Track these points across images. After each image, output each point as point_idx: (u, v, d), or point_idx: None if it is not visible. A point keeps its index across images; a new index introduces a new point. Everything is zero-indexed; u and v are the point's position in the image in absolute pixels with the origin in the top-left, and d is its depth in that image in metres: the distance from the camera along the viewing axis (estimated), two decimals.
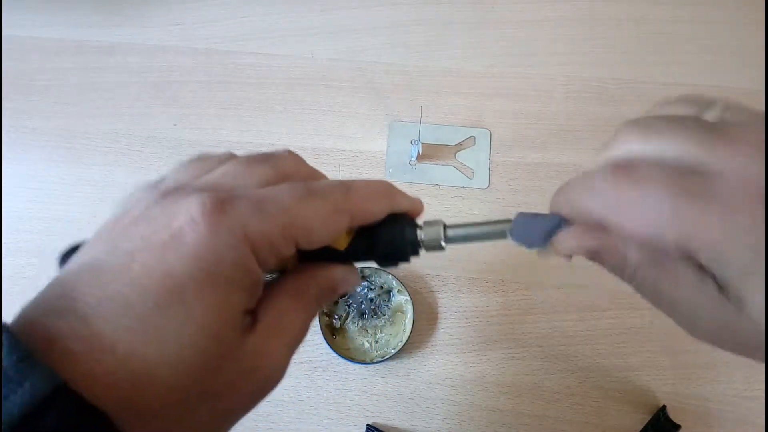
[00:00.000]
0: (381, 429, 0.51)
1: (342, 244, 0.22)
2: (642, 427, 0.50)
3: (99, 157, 0.60)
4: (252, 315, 0.21)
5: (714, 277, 0.19)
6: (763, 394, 0.51)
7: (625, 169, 0.19)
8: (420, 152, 0.58)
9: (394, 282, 0.53)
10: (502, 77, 0.64)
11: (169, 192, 0.20)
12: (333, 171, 0.59)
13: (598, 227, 0.20)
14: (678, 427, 0.49)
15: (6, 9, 0.65)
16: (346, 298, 0.53)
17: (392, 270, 0.53)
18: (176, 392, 0.18)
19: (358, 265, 0.24)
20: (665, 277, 0.20)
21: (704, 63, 0.64)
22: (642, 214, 0.19)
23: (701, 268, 0.19)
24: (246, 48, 0.64)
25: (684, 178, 0.18)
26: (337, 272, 0.23)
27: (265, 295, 0.21)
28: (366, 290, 0.53)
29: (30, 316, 0.17)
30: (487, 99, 0.63)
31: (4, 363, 0.15)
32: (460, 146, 0.61)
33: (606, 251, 0.20)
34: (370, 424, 0.51)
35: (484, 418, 0.52)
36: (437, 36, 0.66)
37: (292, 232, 0.20)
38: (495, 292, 0.55)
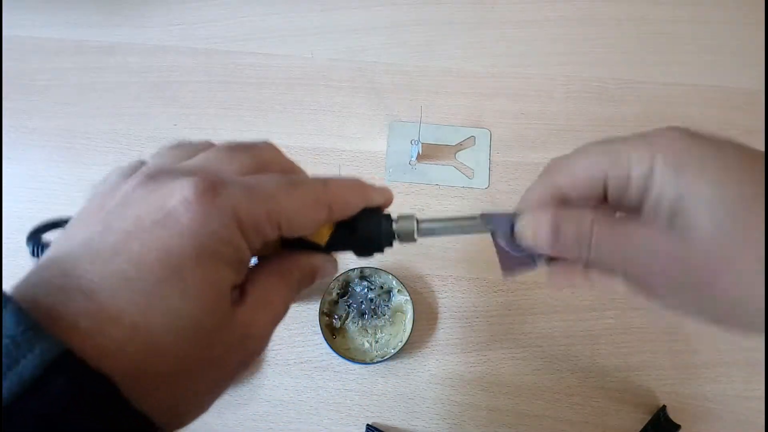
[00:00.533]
0: (381, 429, 0.51)
1: (323, 238, 0.24)
2: (642, 427, 0.50)
3: (99, 157, 0.60)
4: (241, 290, 0.22)
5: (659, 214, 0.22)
6: (763, 394, 0.51)
7: None
8: (420, 152, 0.58)
9: (394, 282, 0.53)
10: (502, 77, 0.64)
11: (154, 175, 0.21)
12: (333, 171, 0.59)
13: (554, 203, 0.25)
14: (678, 427, 0.49)
15: (6, 9, 0.65)
16: (346, 298, 0.53)
17: (392, 270, 0.53)
18: (180, 360, 0.19)
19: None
20: (619, 234, 0.23)
21: (704, 63, 0.64)
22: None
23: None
24: (246, 48, 0.64)
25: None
26: (318, 259, 0.25)
27: (252, 273, 0.23)
28: (366, 290, 0.53)
29: (29, 294, 0.18)
30: (487, 99, 0.63)
31: (12, 331, 0.16)
32: (460, 146, 0.61)
33: (564, 222, 0.24)
34: (370, 424, 0.51)
35: (484, 418, 0.52)
36: (437, 36, 0.65)
37: (277, 217, 0.21)
38: (495, 292, 0.55)
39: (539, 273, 0.57)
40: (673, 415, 0.50)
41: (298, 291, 0.24)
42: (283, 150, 0.25)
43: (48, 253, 0.20)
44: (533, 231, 0.25)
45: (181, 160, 0.23)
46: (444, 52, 0.65)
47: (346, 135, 0.61)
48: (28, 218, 0.57)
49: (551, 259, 0.26)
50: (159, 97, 0.62)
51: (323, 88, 0.63)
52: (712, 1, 0.66)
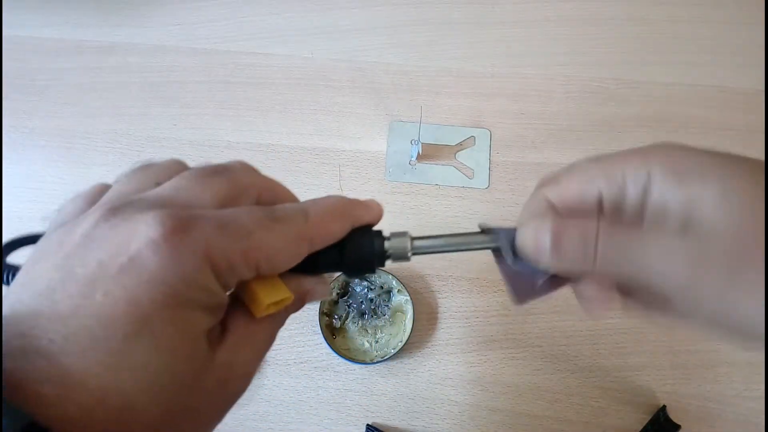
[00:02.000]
0: (381, 429, 0.51)
1: (260, 311, 0.21)
2: (642, 427, 0.50)
3: (99, 157, 0.60)
4: (222, 325, 0.21)
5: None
6: (763, 394, 0.51)
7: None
8: (420, 152, 0.58)
9: (394, 282, 0.53)
10: (502, 77, 0.64)
11: (117, 207, 0.19)
12: (333, 171, 0.59)
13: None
14: (678, 427, 0.49)
15: (6, 9, 0.65)
16: (346, 298, 0.53)
17: (392, 270, 0.53)
18: (158, 417, 0.18)
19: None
20: (629, 239, 0.21)
21: (704, 63, 0.64)
22: None
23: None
24: (246, 48, 0.64)
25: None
26: (306, 283, 0.23)
27: (232, 306, 0.21)
28: (366, 290, 0.53)
29: None
30: (487, 99, 0.63)
31: None
32: (460, 146, 0.61)
33: (567, 229, 0.22)
34: (370, 424, 0.51)
35: (484, 418, 0.52)
36: (437, 36, 0.66)
37: (255, 257, 0.19)
38: (495, 292, 0.55)
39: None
40: (673, 415, 0.50)
41: (286, 318, 0.23)
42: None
43: (7, 306, 0.18)
44: (534, 240, 0.23)
45: (148, 186, 0.21)
46: (444, 52, 0.65)
47: (346, 135, 0.61)
48: (28, 218, 0.57)
49: (556, 283, 0.25)
50: (159, 97, 0.62)
51: (323, 88, 0.63)
52: (712, 1, 0.66)
